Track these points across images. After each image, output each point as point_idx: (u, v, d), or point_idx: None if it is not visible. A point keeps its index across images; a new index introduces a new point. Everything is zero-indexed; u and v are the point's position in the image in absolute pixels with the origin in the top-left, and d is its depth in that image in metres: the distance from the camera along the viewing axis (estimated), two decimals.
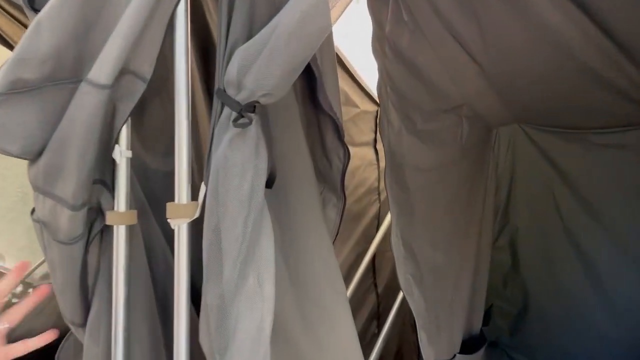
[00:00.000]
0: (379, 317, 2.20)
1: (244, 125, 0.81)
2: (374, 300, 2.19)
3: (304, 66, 0.83)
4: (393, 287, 2.36)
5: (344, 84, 1.90)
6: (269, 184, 0.88)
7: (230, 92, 0.83)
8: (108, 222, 0.92)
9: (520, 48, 1.59)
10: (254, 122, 0.83)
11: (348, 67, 1.89)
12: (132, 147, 0.99)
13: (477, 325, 2.19)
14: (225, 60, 0.83)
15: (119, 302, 0.96)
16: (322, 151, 1.18)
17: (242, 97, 0.82)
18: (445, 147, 1.76)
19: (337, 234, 1.24)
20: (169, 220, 0.88)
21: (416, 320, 1.58)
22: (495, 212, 2.38)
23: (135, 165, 1.04)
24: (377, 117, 2.18)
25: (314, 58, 0.99)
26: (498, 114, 2.17)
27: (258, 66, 0.80)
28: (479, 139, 2.12)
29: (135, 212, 0.97)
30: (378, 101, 2.19)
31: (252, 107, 0.83)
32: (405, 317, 2.27)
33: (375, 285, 2.20)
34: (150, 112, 1.05)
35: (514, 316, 2.52)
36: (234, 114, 0.82)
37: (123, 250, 0.95)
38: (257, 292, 0.84)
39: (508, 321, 2.54)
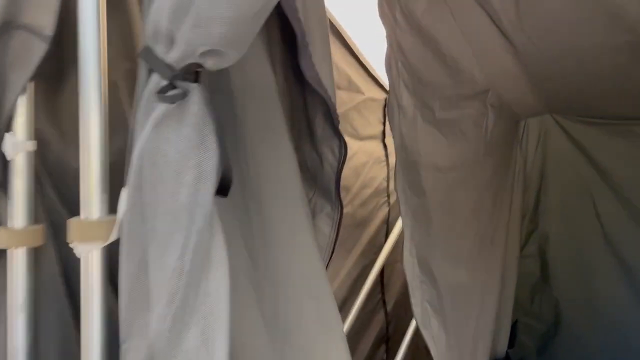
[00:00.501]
0: (387, 339, 1.90)
1: (173, 100, 0.52)
2: (382, 320, 1.89)
3: (270, 8, 0.54)
4: (405, 304, 2.07)
5: (344, 64, 1.61)
6: (224, 189, 0.59)
7: (159, 50, 0.54)
8: None
9: (565, 20, 1.29)
10: (193, 96, 0.54)
11: (349, 44, 1.60)
12: (42, 137, 0.71)
13: (503, 347, 1.89)
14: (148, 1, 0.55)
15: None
16: (310, 142, 0.89)
17: (175, 57, 0.53)
18: (468, 142, 1.47)
19: (332, 253, 0.95)
20: (71, 245, 0.59)
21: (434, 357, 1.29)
22: (522, 216, 2.08)
23: (49, 162, 0.76)
24: (385, 106, 1.88)
25: (293, 8, 0.70)
26: (528, 102, 1.87)
27: (198, 6, 0.51)
28: (505, 132, 1.82)
29: (40, 228, 0.69)
30: (387, 86, 1.90)
31: (193, 73, 0.54)
32: (419, 339, 1.99)
33: (384, 302, 1.91)
34: (71, 91, 0.77)
35: (542, 334, 2.22)
36: (163, 83, 0.54)
37: (22, 283, 0.67)
38: (200, 354, 0.55)
39: (535, 339, 2.23)
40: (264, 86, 0.77)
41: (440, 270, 1.26)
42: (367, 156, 1.83)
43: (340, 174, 0.89)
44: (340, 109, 1.75)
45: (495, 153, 1.71)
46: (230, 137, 0.70)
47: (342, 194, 1.71)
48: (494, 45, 1.45)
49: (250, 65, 0.73)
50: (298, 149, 0.88)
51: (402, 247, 2.04)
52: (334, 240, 0.94)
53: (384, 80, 1.91)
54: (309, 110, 0.85)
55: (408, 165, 1.14)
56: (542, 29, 1.36)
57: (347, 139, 1.80)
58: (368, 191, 1.81)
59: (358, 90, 1.74)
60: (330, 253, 0.95)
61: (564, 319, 2.14)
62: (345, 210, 1.73)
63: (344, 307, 1.59)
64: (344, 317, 1.59)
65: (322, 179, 0.91)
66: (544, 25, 1.35)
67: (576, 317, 2.09)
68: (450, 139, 1.33)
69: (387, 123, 1.92)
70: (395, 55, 1.09)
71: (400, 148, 1.10)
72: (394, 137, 1.10)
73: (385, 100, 1.92)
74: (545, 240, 2.09)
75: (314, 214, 0.94)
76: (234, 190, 0.62)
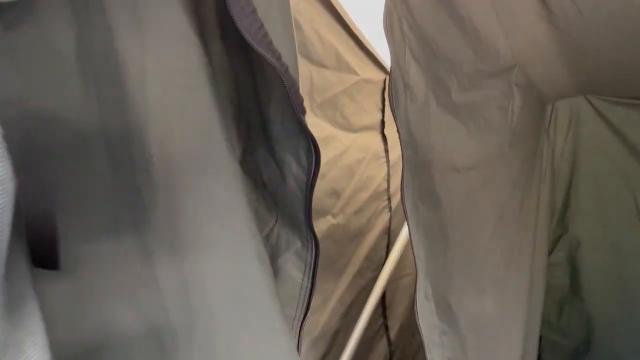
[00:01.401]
0: None
1: None
2: (384, 350, 1.57)
3: None
4: (411, 327, 1.75)
5: (331, 35, 1.27)
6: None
7: None
8: None
9: None
10: None
11: (338, 9, 1.27)
12: None
13: None
14: None
15: None
16: (265, 145, 0.56)
17: None
18: (492, 131, 1.14)
19: (308, 307, 0.63)
20: None
21: None
22: (549, 218, 1.75)
23: None
24: (385, 88, 1.55)
25: None
26: (559, 80, 1.54)
27: None
28: (532, 119, 1.49)
29: None
30: (387, 65, 1.56)
31: None
32: None
33: (387, 328, 1.58)
34: None
35: (571, 352, 1.91)
36: None
37: None
38: None
39: (563, 359, 1.93)
40: (181, 66, 0.45)
41: (461, 305, 0.94)
42: (363, 152, 1.49)
43: (311, 192, 0.57)
44: (326, 93, 1.41)
45: (522, 144, 1.39)
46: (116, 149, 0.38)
47: (332, 201, 1.39)
48: (524, 6, 1.12)
49: (154, 37, 0.42)
50: (249, 154, 0.55)
51: (408, 261, 1.73)
52: (309, 289, 0.62)
53: (384, 58, 1.58)
54: (260, 95, 0.53)
55: (418, 168, 0.82)
56: None
57: (337, 131, 1.47)
58: (364, 195, 1.47)
59: (350, 70, 1.40)
60: (305, 307, 0.63)
61: (596, 336, 1.83)
62: (335, 221, 1.40)
63: (335, 341, 1.28)
64: (337, 353, 1.27)
65: (284, 200, 0.58)
66: None
67: (611, 335, 1.78)
68: (471, 129, 1.01)
69: (386, 110, 1.59)
70: (399, 12, 0.76)
71: (408, 144, 0.77)
72: (398, 129, 0.77)
73: (385, 81, 1.58)
74: (576, 245, 1.77)
75: (276, 253, 0.61)
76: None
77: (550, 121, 1.70)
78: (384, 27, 0.76)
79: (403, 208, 0.80)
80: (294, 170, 0.57)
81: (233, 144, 0.52)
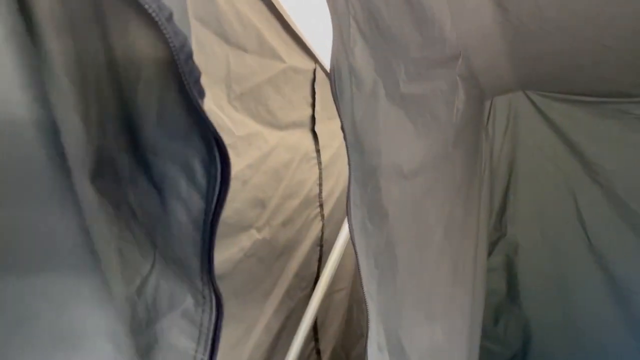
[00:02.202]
0: None
1: None
2: None
3: None
4: (346, 349, 1.58)
5: (253, 15, 1.06)
6: None
7: None
8: None
9: None
10: None
11: None
12: None
13: None
14: None
15: None
16: (133, 153, 0.35)
17: None
18: (438, 129, 0.99)
19: None
20: None
21: None
22: (488, 221, 1.65)
23: None
24: (314, 80, 1.36)
25: None
26: (499, 73, 1.43)
27: None
28: (473, 115, 1.36)
29: None
30: (317, 53, 1.37)
31: None
32: None
33: (318, 353, 1.39)
34: None
35: None
36: None
37: None
38: None
39: None
40: None
41: (412, 340, 0.77)
42: (292, 152, 1.28)
43: (213, 226, 0.37)
44: (247, 82, 1.19)
45: (464, 143, 1.26)
46: None
47: (257, 212, 1.17)
48: None
49: None
50: (107, 166, 0.34)
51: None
52: None
53: (312, 45, 1.38)
54: (120, 68, 0.32)
55: (366, 176, 0.64)
56: None
57: (261, 127, 1.26)
58: (294, 202, 1.27)
59: (275, 56, 1.19)
60: None
61: (534, 343, 1.75)
62: (260, 236, 1.18)
63: None
64: None
65: (167, 237, 0.37)
66: None
67: (550, 341, 1.70)
68: (419, 126, 0.84)
69: (316, 104, 1.40)
70: None
71: (354, 146, 0.59)
72: (343, 126, 0.58)
73: (314, 71, 1.39)
74: (514, 249, 1.68)
75: (153, 315, 0.40)
76: None
77: (488, 118, 1.59)
78: None
79: (350, 231, 0.61)
80: (183, 192, 0.36)
81: (76, 151, 0.31)
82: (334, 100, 0.56)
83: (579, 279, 1.60)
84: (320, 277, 1.18)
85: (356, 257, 0.61)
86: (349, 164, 0.59)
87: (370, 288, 0.63)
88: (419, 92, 0.84)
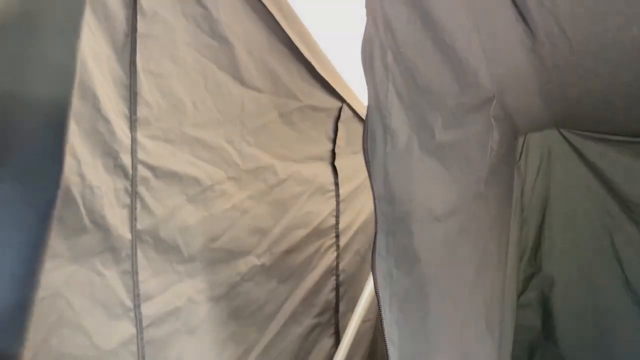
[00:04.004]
0: None
1: None
2: None
3: None
4: None
5: (269, 56, 1.12)
6: None
7: None
8: None
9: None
10: None
11: (288, 29, 1.11)
12: None
13: None
14: None
15: None
16: None
17: None
18: (472, 171, 1.02)
19: None
20: None
21: None
22: (519, 257, 1.65)
23: None
24: (339, 117, 1.41)
25: None
26: (533, 110, 1.45)
27: None
28: (506, 152, 1.38)
29: None
30: (342, 91, 1.42)
31: None
32: None
33: None
34: None
35: None
36: None
37: None
38: None
39: None
40: None
41: None
42: (304, 185, 1.34)
43: None
44: (260, 119, 1.25)
45: (498, 181, 1.27)
46: None
47: (256, 239, 1.23)
48: (508, 32, 1.01)
49: None
50: None
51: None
52: None
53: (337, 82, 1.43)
54: None
55: (396, 225, 0.68)
56: (581, 11, 0.94)
57: (275, 161, 1.32)
58: (301, 232, 1.31)
59: (290, 95, 1.26)
60: None
61: None
62: (259, 262, 1.20)
63: None
64: None
65: None
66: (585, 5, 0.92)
67: None
68: (453, 171, 0.88)
69: (340, 139, 1.45)
70: (382, 39, 0.62)
71: (384, 198, 0.63)
72: (372, 183, 0.62)
73: (340, 110, 1.45)
74: (549, 286, 1.67)
75: None
76: None
77: (521, 154, 1.60)
78: (362, 59, 0.61)
79: (374, 282, 0.65)
80: None
81: None
82: (365, 161, 0.60)
83: (616, 317, 1.58)
84: (353, 315, 1.22)
85: (379, 306, 0.65)
86: (376, 216, 0.63)
87: (392, 335, 0.66)
88: (454, 139, 0.87)
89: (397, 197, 0.66)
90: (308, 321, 1.28)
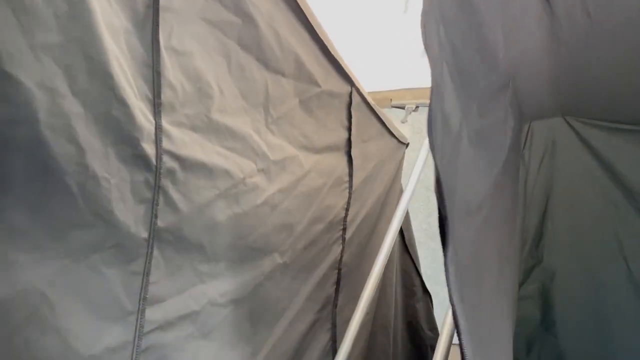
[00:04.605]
0: None
1: None
2: None
3: None
4: None
5: (292, 37, 1.03)
6: None
7: None
8: None
9: None
10: None
11: (303, 8, 1.03)
12: None
13: None
14: None
15: None
16: None
17: None
18: (495, 160, 0.96)
19: None
20: None
21: None
22: (521, 248, 1.61)
23: None
24: (351, 103, 1.33)
25: None
26: (541, 97, 1.40)
27: None
28: (516, 142, 1.33)
29: None
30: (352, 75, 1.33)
31: None
32: None
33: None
34: None
35: None
36: None
37: None
38: None
39: None
40: None
41: None
42: (325, 177, 1.25)
43: None
44: (282, 106, 1.15)
45: (511, 170, 1.22)
46: None
47: (283, 236, 1.13)
48: (528, 11, 0.95)
49: None
50: None
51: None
52: None
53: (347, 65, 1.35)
54: None
55: (455, 222, 0.60)
56: None
57: (297, 151, 1.23)
58: (319, 227, 1.22)
59: (311, 80, 1.17)
60: None
61: None
62: (282, 260, 1.09)
63: None
64: None
65: None
66: None
67: None
68: (482, 161, 0.81)
69: (353, 127, 1.37)
70: (435, 14, 0.54)
71: (449, 191, 0.55)
72: (440, 177, 0.54)
73: (350, 94, 1.37)
74: (550, 277, 1.63)
75: None
76: None
77: (525, 142, 1.56)
78: (422, 34, 0.54)
79: (449, 295, 0.58)
80: None
81: None
82: (431, 143, 0.53)
83: (618, 310, 1.56)
84: (356, 309, 1.15)
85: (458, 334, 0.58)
86: (447, 218, 0.56)
87: (463, 327, 0.59)
88: (484, 127, 0.81)
89: (446, 193, 0.60)
90: (310, 317, 1.20)
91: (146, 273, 0.74)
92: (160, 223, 0.76)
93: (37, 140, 0.61)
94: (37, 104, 0.60)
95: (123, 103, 0.68)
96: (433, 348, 1.86)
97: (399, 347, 1.73)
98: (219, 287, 0.90)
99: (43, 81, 0.60)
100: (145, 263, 0.74)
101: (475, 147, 0.72)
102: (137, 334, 0.73)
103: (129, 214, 0.71)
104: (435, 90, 0.51)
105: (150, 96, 0.73)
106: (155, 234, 0.75)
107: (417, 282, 1.82)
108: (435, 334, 1.86)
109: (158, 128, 0.74)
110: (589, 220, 1.55)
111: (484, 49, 0.83)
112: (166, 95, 0.75)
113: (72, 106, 0.62)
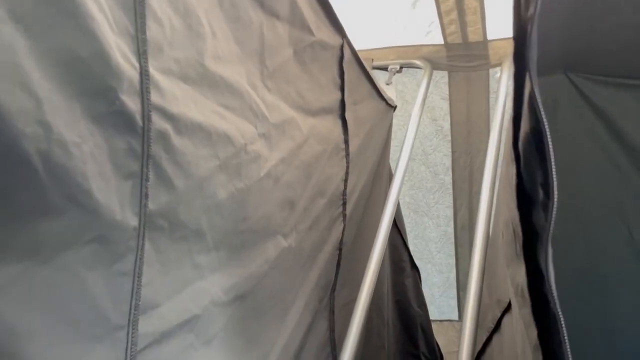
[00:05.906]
0: None
1: None
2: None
3: None
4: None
5: None
6: None
7: None
8: None
9: None
10: None
11: None
12: None
13: None
14: None
15: None
16: None
17: None
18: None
19: None
20: None
21: None
22: None
23: None
24: (342, 57, 1.15)
25: None
26: (541, 53, 1.29)
27: None
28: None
29: None
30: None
31: None
32: None
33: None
34: None
35: None
36: None
37: None
38: None
39: None
40: None
41: None
42: (323, 143, 1.07)
43: None
44: (277, 57, 0.93)
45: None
46: None
47: (284, 215, 0.92)
48: None
49: None
50: None
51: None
52: None
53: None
54: None
55: None
56: None
57: (295, 113, 1.05)
58: (321, 202, 1.04)
59: (304, 27, 0.98)
60: None
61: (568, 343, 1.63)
62: (287, 244, 0.91)
63: None
64: None
65: None
66: None
67: (585, 342, 1.59)
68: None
69: (346, 86, 1.20)
70: None
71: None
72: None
73: (342, 48, 1.19)
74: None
75: None
76: None
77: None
78: None
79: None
80: None
81: None
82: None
83: (617, 274, 1.50)
84: (360, 291, 1.01)
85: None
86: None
87: None
88: None
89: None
90: (316, 307, 1.04)
91: (137, 273, 0.54)
92: (151, 205, 0.55)
93: None
94: None
95: (92, 36, 0.46)
96: (422, 327, 1.77)
97: (390, 327, 1.61)
98: (221, 282, 0.71)
99: None
100: (136, 260, 0.53)
101: None
102: (128, 354, 0.53)
103: (112, 195, 0.50)
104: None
105: (132, 30, 0.52)
106: (146, 221, 0.55)
107: (405, 256, 1.69)
108: (424, 310, 1.75)
109: (144, 74, 0.52)
110: (589, 182, 1.47)
111: None
112: (152, 30, 0.55)
113: (17, 37, 0.41)
